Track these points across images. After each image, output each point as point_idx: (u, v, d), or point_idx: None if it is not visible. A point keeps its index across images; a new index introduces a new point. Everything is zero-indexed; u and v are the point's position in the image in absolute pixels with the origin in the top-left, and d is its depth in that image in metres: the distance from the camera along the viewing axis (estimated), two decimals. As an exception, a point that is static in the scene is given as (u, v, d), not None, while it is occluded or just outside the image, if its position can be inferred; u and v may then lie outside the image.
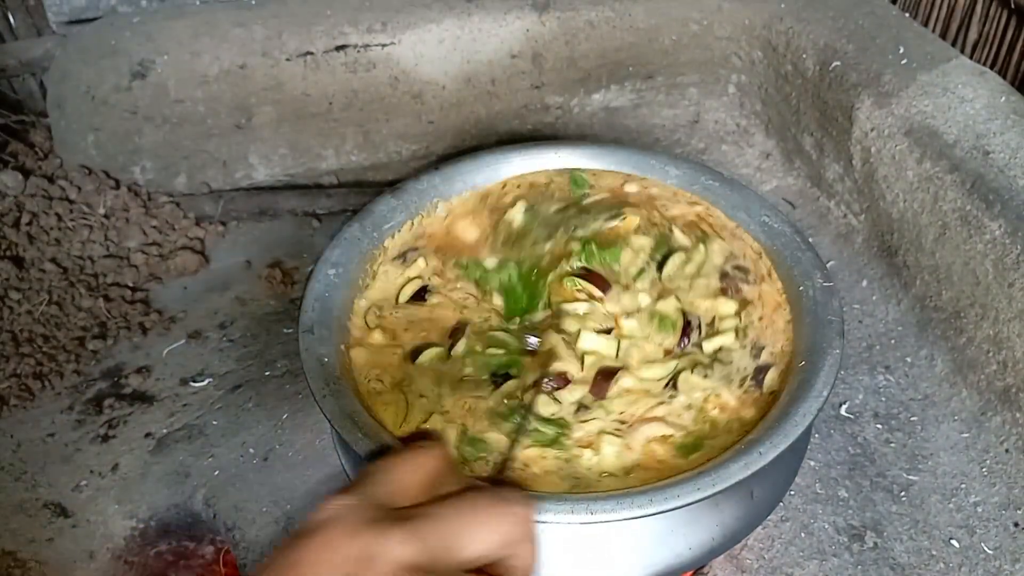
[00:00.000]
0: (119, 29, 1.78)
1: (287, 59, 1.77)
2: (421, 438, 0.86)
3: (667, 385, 0.96)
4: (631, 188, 1.23)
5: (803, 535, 1.14)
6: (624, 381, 0.95)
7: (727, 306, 1.04)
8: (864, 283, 1.53)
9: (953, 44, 1.75)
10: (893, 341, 1.42)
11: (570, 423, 0.92)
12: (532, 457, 0.88)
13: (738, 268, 1.09)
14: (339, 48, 1.78)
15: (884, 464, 1.24)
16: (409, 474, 0.61)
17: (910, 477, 1.22)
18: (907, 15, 1.72)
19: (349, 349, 1.01)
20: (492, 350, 0.99)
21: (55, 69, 1.78)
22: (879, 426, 1.30)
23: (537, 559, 0.62)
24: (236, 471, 1.27)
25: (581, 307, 1.03)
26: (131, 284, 1.62)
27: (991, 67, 1.60)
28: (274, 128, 1.82)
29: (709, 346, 1.00)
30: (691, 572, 1.08)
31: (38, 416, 1.38)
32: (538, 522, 0.81)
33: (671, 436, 0.91)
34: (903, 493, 1.20)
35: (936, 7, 1.83)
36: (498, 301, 1.07)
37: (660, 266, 1.08)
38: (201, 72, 1.75)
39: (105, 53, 1.75)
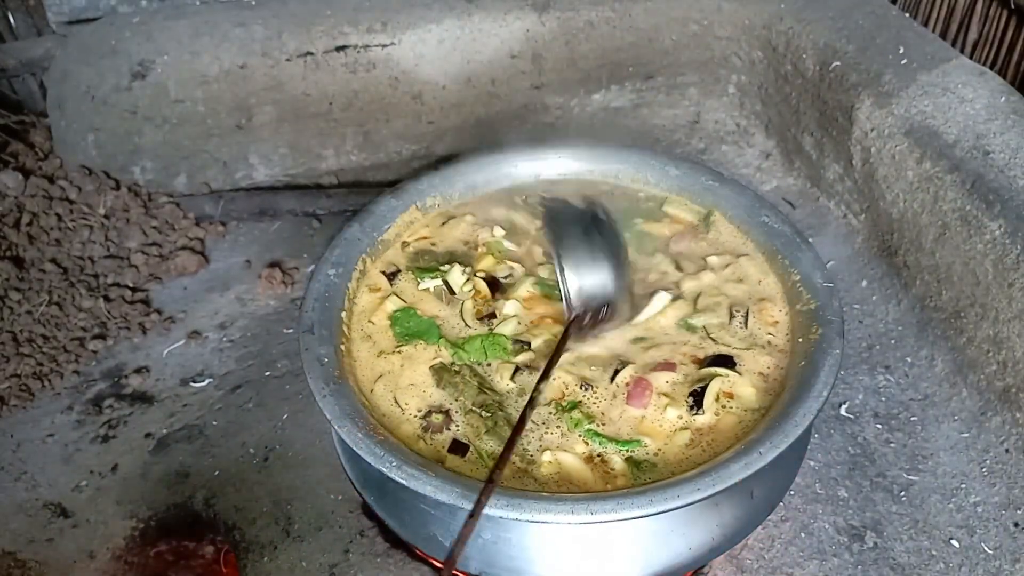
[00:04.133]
0: (119, 29, 1.77)
1: (287, 59, 1.77)
2: None
3: None
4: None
5: (803, 535, 1.14)
6: None
7: None
8: (864, 283, 1.53)
9: (953, 44, 1.75)
10: (893, 341, 1.42)
11: None
12: None
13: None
14: (339, 48, 1.78)
15: (884, 464, 1.24)
16: None
17: (910, 477, 1.22)
18: (907, 15, 1.72)
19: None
20: None
21: (55, 69, 1.78)
22: (879, 426, 1.30)
23: None
24: (236, 471, 1.27)
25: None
26: (131, 284, 1.62)
27: (991, 67, 1.60)
28: (274, 128, 1.82)
29: None
30: (691, 572, 1.08)
31: (38, 416, 1.38)
32: (539, 522, 0.81)
33: None
34: (903, 493, 1.20)
35: (936, 7, 1.83)
36: None
37: None
38: (201, 72, 1.75)
39: (105, 53, 1.75)
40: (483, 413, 0.96)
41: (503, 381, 1.00)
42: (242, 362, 1.46)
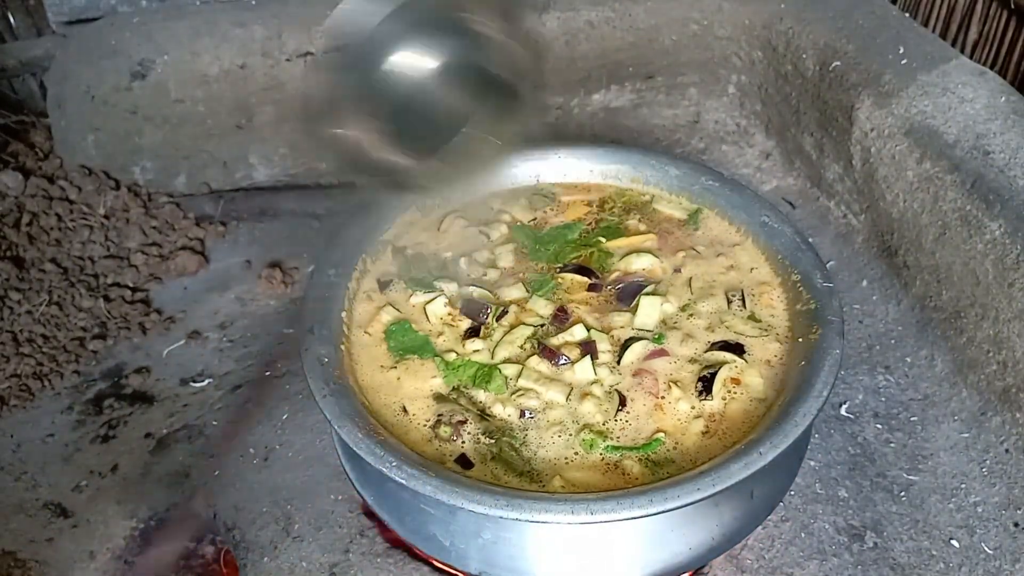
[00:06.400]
0: (119, 29, 1.78)
1: (287, 59, 1.77)
2: None
3: None
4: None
5: (803, 535, 1.14)
6: None
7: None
8: (864, 283, 1.53)
9: (953, 44, 1.75)
10: (893, 341, 1.42)
11: None
12: None
13: None
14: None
15: (884, 464, 1.24)
16: None
17: (910, 477, 1.22)
18: (907, 15, 1.72)
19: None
20: None
21: (55, 69, 1.78)
22: (879, 426, 1.30)
23: None
24: (236, 471, 1.27)
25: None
26: (131, 284, 1.62)
27: (991, 67, 1.60)
28: (274, 128, 1.82)
29: None
30: (691, 572, 1.08)
31: (38, 416, 1.38)
32: (539, 522, 0.81)
33: None
34: (903, 493, 1.20)
35: (936, 7, 1.83)
36: None
37: None
38: (201, 72, 1.75)
39: (105, 53, 1.75)
40: (487, 440, 0.95)
41: (504, 409, 0.98)
42: (242, 362, 1.46)
